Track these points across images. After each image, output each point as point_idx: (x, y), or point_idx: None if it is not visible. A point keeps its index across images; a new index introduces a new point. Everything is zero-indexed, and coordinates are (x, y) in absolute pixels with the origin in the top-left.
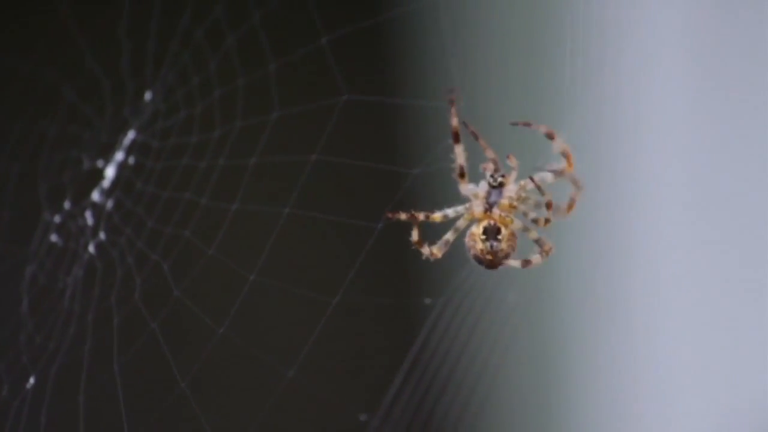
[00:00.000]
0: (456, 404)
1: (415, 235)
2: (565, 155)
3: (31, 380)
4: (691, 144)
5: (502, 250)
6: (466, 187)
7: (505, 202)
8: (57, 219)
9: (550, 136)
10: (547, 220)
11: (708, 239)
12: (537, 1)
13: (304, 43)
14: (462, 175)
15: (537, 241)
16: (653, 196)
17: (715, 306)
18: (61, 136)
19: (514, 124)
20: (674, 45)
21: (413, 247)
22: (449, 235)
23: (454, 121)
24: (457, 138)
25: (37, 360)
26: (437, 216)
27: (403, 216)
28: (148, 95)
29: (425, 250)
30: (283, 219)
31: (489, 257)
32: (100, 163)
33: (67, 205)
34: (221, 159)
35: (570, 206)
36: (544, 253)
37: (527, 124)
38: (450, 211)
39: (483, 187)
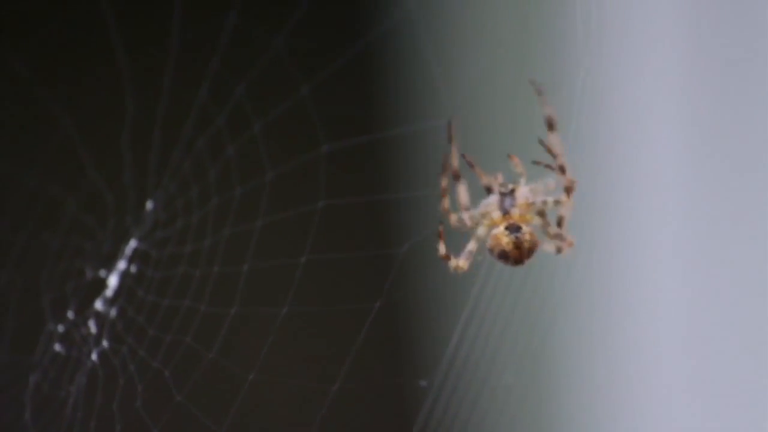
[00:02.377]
0: None
1: (441, 249)
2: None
3: None
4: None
5: (526, 240)
6: (475, 210)
7: (521, 203)
8: (60, 328)
9: (550, 125)
10: (560, 220)
11: (709, 292)
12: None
13: (304, 150)
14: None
15: (557, 236)
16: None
17: (719, 364)
18: (64, 248)
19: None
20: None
21: (442, 260)
22: (471, 245)
23: (455, 160)
24: (457, 177)
25: None
26: (454, 219)
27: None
28: (149, 204)
29: (452, 263)
30: (280, 318)
31: (515, 250)
32: (102, 272)
33: (70, 314)
34: (215, 266)
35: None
36: (567, 245)
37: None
38: (466, 216)
39: (494, 198)
